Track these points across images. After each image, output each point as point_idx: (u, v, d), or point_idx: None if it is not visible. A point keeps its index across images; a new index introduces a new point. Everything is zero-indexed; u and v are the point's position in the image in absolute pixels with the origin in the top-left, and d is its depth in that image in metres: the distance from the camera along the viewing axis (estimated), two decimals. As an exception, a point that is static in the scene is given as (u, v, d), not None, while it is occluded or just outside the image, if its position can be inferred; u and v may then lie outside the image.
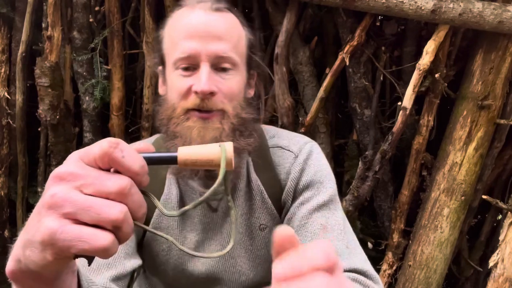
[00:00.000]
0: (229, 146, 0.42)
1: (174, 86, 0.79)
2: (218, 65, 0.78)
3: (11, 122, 1.68)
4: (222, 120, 0.76)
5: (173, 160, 0.41)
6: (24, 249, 0.39)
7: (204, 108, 0.75)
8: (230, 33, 0.79)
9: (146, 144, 0.43)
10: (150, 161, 0.41)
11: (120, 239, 0.38)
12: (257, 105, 0.90)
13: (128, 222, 0.38)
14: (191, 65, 0.77)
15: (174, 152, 0.42)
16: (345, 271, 0.75)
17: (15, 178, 1.73)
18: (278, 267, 0.34)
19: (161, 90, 0.88)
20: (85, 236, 0.36)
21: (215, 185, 0.41)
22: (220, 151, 0.41)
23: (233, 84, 0.79)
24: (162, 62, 0.85)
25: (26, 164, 1.73)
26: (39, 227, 0.36)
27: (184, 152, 0.41)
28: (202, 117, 0.76)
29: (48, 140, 1.63)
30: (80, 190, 0.37)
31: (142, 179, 0.40)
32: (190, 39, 0.76)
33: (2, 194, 1.72)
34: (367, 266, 0.77)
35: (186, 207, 0.43)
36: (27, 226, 0.40)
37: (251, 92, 0.90)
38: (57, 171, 0.38)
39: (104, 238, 0.36)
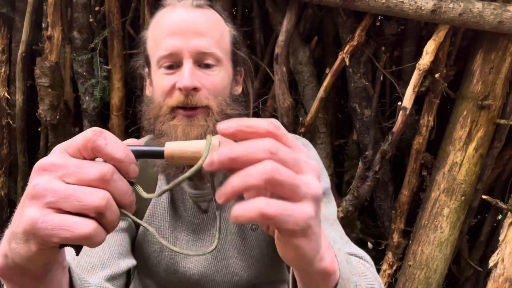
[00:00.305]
0: (215, 138, 0.41)
1: (159, 84, 0.79)
2: (201, 61, 0.78)
3: (11, 122, 1.68)
4: (207, 118, 0.77)
5: (159, 154, 0.41)
6: (10, 242, 0.38)
7: (189, 104, 0.75)
8: (212, 29, 0.79)
9: (134, 140, 0.43)
10: (136, 154, 0.40)
11: (107, 228, 0.38)
12: (245, 102, 0.90)
13: (112, 208, 0.37)
14: (174, 63, 0.77)
15: (161, 146, 0.42)
16: None
17: (15, 178, 1.73)
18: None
19: (148, 91, 0.89)
20: (66, 224, 0.35)
21: (196, 166, 0.39)
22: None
23: (217, 80, 0.79)
24: (147, 62, 0.86)
25: (26, 164, 1.73)
26: (22, 217, 0.36)
27: (171, 146, 0.41)
28: (187, 114, 0.76)
29: (48, 140, 1.64)
30: (62, 179, 0.37)
31: (129, 168, 0.39)
32: (172, 36, 0.76)
33: (2, 194, 1.72)
34: (361, 252, 0.78)
35: (165, 187, 0.42)
36: (12, 219, 0.39)
37: (239, 89, 0.90)
38: (40, 162, 0.38)
39: (86, 225, 0.36)
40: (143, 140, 0.95)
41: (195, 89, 0.75)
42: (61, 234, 0.35)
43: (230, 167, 0.36)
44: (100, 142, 0.37)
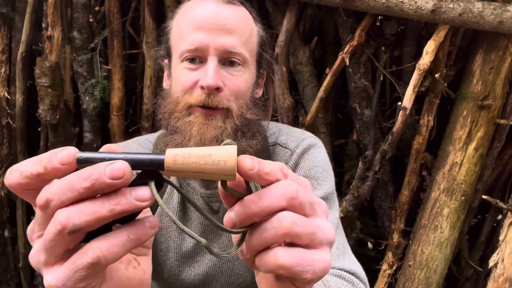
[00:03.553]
0: (232, 152, 0.33)
1: (179, 79, 0.76)
2: (226, 60, 0.75)
3: (11, 122, 1.67)
4: (225, 119, 0.73)
5: (157, 164, 0.32)
6: None
7: (209, 104, 0.72)
8: (241, 28, 0.76)
9: (117, 146, 0.37)
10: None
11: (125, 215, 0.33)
12: (264, 106, 0.87)
13: (72, 218, 0.31)
14: (197, 57, 0.74)
15: (161, 154, 0.33)
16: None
17: (15, 178, 1.73)
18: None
19: (165, 84, 0.85)
20: (76, 266, 0.33)
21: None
22: (226, 152, 0.32)
23: (240, 82, 0.76)
24: (169, 54, 0.82)
25: (26, 164, 1.72)
26: None
27: (174, 153, 0.32)
28: (205, 113, 0.73)
29: (48, 140, 1.63)
30: (40, 234, 0.34)
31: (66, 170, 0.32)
32: (198, 31, 0.73)
33: (2, 194, 1.71)
34: (355, 267, 0.76)
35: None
36: None
37: (259, 92, 0.86)
38: (27, 232, 0.36)
39: (83, 254, 0.33)
40: (155, 135, 0.92)
41: (218, 89, 0.72)
42: (80, 275, 0.32)
43: (251, 222, 0.35)
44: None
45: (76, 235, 0.32)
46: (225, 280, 0.86)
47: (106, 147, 0.36)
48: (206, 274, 0.85)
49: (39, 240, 0.34)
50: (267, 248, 0.35)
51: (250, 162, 0.34)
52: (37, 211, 0.33)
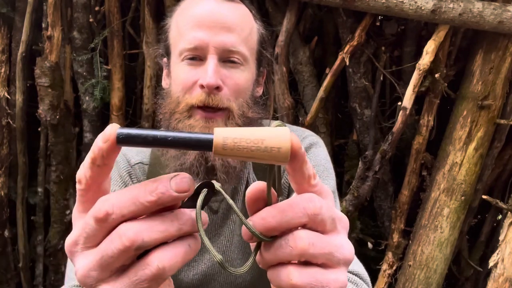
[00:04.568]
0: (286, 138, 0.30)
1: (179, 78, 0.75)
2: (226, 58, 0.74)
3: (11, 122, 1.67)
4: (227, 121, 0.73)
5: (205, 143, 0.30)
6: None
7: (210, 104, 0.71)
8: (241, 25, 0.75)
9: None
10: (171, 142, 0.29)
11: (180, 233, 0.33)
12: (264, 104, 0.86)
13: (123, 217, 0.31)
14: (197, 56, 0.73)
15: (209, 134, 0.30)
16: None
17: (15, 178, 1.73)
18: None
19: (164, 83, 0.84)
20: (132, 282, 0.31)
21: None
22: (280, 138, 0.30)
23: (240, 80, 0.75)
24: (167, 52, 0.81)
25: (26, 164, 1.73)
26: None
27: (223, 134, 0.30)
28: (206, 116, 0.72)
29: (48, 140, 1.64)
30: (87, 247, 0.33)
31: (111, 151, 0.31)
32: (198, 29, 0.72)
33: (2, 194, 1.71)
34: (357, 268, 0.75)
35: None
36: None
37: (260, 91, 0.86)
38: (66, 244, 0.34)
39: (145, 265, 0.31)
40: None
41: (218, 88, 0.71)
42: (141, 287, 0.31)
43: (270, 235, 0.34)
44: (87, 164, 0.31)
45: (140, 251, 0.31)
46: (224, 280, 0.86)
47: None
48: (204, 274, 0.85)
49: (87, 254, 0.32)
50: (280, 263, 0.34)
51: (298, 140, 0.32)
52: (87, 223, 0.31)
